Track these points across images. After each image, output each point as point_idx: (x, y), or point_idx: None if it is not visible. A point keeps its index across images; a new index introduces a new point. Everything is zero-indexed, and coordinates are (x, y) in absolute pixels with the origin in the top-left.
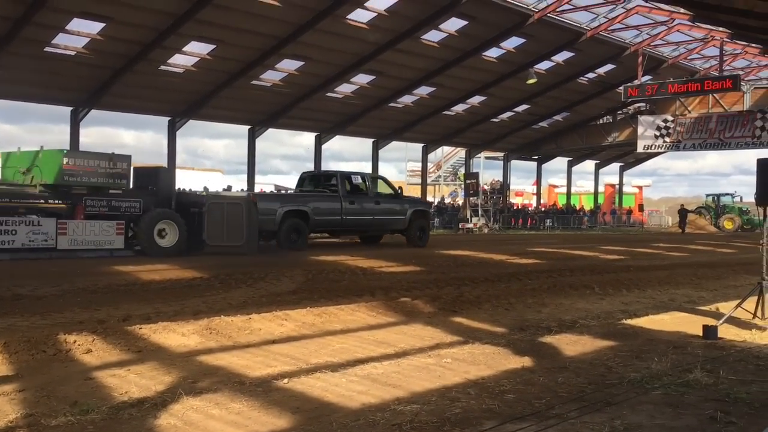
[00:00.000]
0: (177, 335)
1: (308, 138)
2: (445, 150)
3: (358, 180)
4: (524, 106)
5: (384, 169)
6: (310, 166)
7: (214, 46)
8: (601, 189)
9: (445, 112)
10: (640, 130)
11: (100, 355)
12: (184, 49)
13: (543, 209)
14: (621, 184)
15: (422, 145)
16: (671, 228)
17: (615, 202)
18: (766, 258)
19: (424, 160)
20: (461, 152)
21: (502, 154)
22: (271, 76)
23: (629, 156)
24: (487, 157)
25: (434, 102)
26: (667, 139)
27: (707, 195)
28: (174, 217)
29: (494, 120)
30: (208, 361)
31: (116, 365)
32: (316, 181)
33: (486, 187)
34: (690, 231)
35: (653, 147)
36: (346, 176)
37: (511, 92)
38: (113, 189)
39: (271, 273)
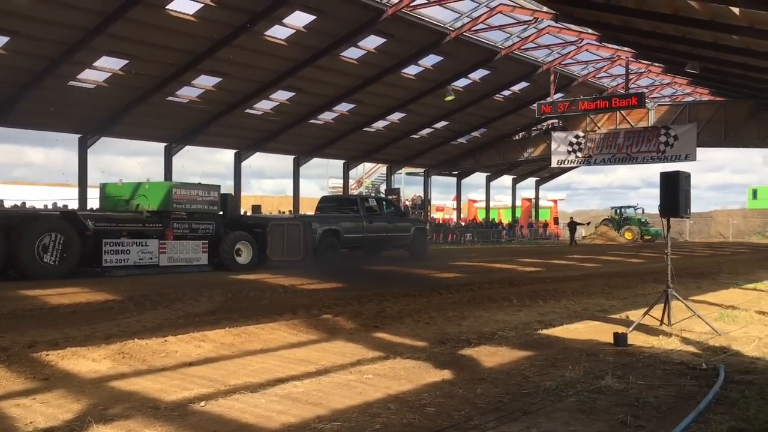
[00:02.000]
0: (87, 361)
1: (228, 155)
2: (366, 166)
3: (373, 202)
4: (443, 123)
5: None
6: (230, 184)
7: (127, 62)
8: (518, 203)
9: (366, 129)
10: (553, 145)
11: (3, 384)
12: (95, 64)
13: (463, 224)
14: (537, 198)
15: (343, 161)
16: (587, 240)
17: (532, 216)
18: (670, 267)
19: (346, 177)
20: (382, 168)
21: (422, 170)
22: (187, 93)
23: (544, 171)
24: (408, 173)
25: (355, 119)
26: (579, 154)
27: (612, 208)
28: (248, 239)
29: (414, 136)
30: (121, 387)
31: (21, 394)
32: (334, 204)
33: (407, 202)
34: (601, 242)
35: (566, 162)
36: (364, 199)
37: (430, 109)
38: (208, 214)
39: (188, 293)
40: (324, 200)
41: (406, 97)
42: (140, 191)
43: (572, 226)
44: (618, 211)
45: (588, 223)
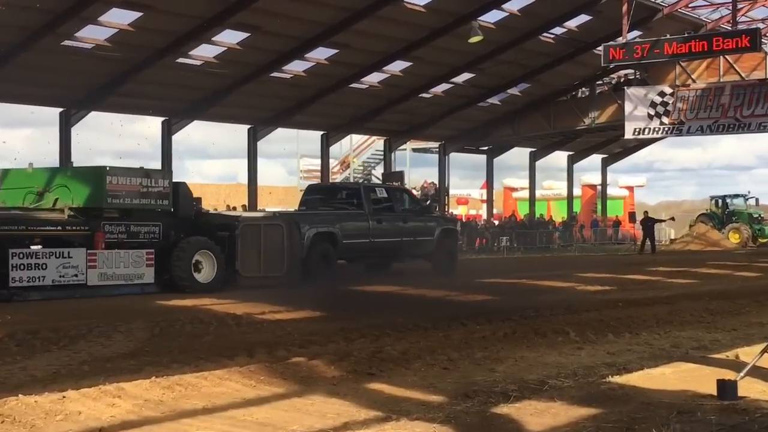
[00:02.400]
0: None
1: (152, 125)
2: (354, 140)
3: (382, 193)
4: (466, 76)
5: (267, 170)
6: (156, 165)
7: None
8: (577, 192)
9: (353, 85)
10: (627, 107)
11: None
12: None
13: (497, 222)
14: (605, 184)
15: (321, 133)
16: (677, 245)
17: (597, 210)
18: None
19: (325, 156)
20: (378, 143)
21: (437, 145)
22: (92, 34)
23: (614, 144)
24: (415, 149)
25: (337, 70)
26: (666, 120)
27: (712, 198)
28: (211, 246)
29: (424, 95)
30: None
31: None
32: (326, 196)
33: (415, 192)
34: (697, 247)
35: (647, 131)
36: (370, 189)
37: (446, 55)
38: (155, 212)
39: (97, 327)
40: (311, 191)
41: (412, 39)
42: (59, 180)
43: (648, 225)
44: (721, 202)
45: (670, 220)
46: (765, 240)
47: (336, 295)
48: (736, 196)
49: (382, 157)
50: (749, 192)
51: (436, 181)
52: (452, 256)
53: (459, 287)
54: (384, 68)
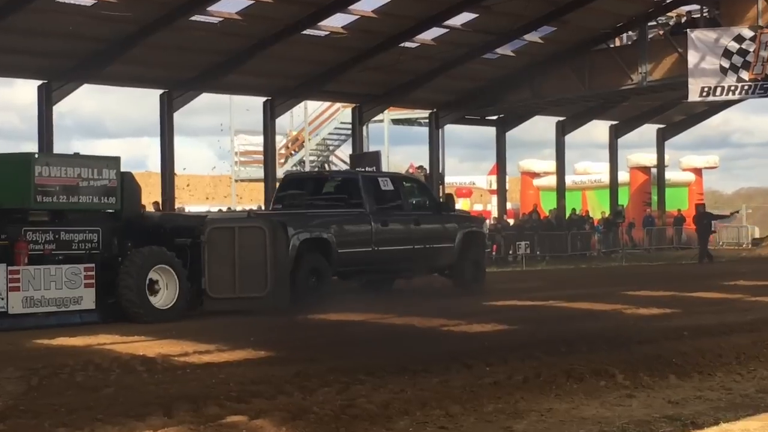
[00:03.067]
0: None
1: (26, 90)
2: (311, 109)
3: (388, 185)
4: (467, 16)
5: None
6: (31, 147)
7: None
8: (624, 177)
9: (308, 32)
10: (691, 58)
11: None
12: None
13: (512, 222)
14: (662, 166)
15: (264, 99)
16: (764, 248)
17: (651, 203)
18: None
19: (270, 132)
20: (344, 112)
21: (426, 114)
22: None
23: (674, 110)
24: (396, 121)
25: (285, 10)
26: (745, 75)
27: None
28: (170, 261)
29: (408, 45)
30: None
31: None
32: (310, 187)
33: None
34: None
35: (719, 91)
36: (372, 179)
37: None
38: (95, 213)
39: None
40: (290, 182)
41: None
42: None
43: (703, 222)
44: None
45: (734, 213)
46: None
47: (287, 326)
48: None
49: (349, 132)
50: None
51: (427, 165)
52: (478, 267)
53: (462, 313)
54: (351, 7)
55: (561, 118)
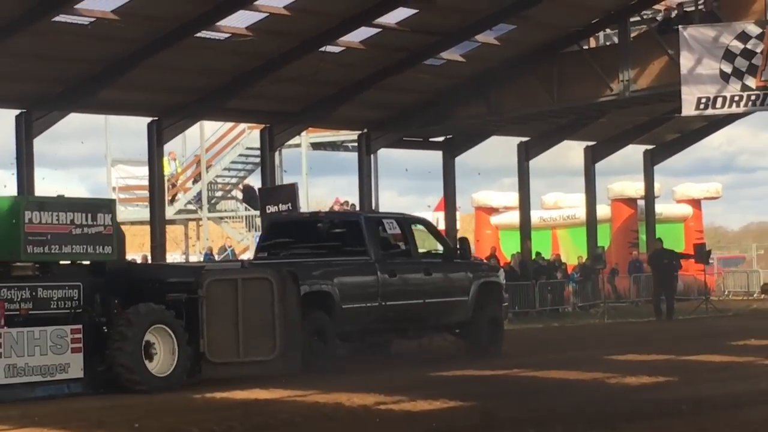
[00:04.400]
0: None
1: None
2: (208, 132)
3: (393, 228)
4: (405, 12)
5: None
6: None
7: None
8: (604, 211)
9: (202, 34)
10: (685, 61)
11: None
12: None
13: None
14: (651, 196)
15: (149, 120)
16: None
17: (639, 243)
18: None
19: (156, 159)
20: (250, 135)
21: (354, 135)
22: None
23: (665, 126)
24: (317, 145)
25: (174, 9)
26: (751, 81)
27: None
28: (169, 320)
29: (330, 49)
30: None
31: None
32: (301, 232)
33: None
34: None
35: (719, 102)
36: (376, 221)
37: None
38: (81, 266)
39: None
40: (275, 227)
41: None
42: None
43: (661, 264)
44: None
45: (692, 257)
46: None
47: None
48: None
49: (257, 159)
50: None
51: (356, 200)
52: (497, 325)
53: (404, 386)
54: (256, 2)
55: (524, 139)
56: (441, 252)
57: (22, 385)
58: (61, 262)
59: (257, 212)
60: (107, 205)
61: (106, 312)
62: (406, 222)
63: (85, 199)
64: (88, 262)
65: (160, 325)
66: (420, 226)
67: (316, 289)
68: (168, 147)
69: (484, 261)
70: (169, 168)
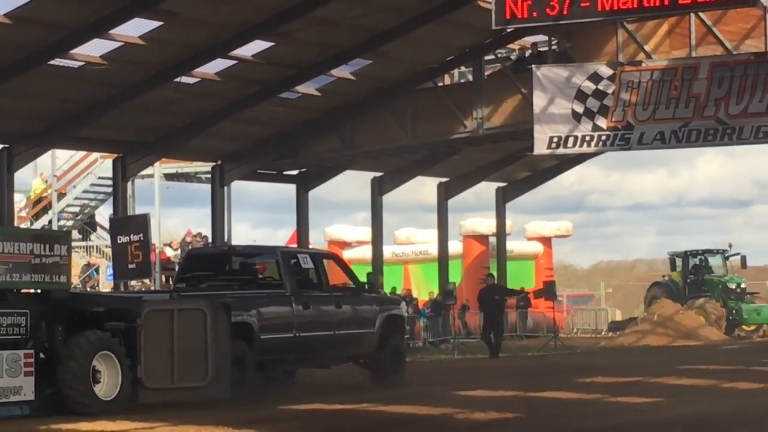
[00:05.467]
0: None
1: None
2: (60, 160)
3: (308, 263)
4: (260, 45)
5: None
6: None
7: None
8: (456, 247)
9: (55, 62)
10: (538, 101)
11: None
12: None
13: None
14: (502, 233)
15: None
16: (628, 336)
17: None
18: None
19: (5, 187)
20: (103, 164)
21: (207, 167)
22: None
23: (517, 164)
24: (170, 176)
25: (23, 32)
26: (602, 122)
27: (671, 254)
28: (114, 347)
29: (184, 80)
30: None
31: None
32: (218, 265)
33: (171, 252)
34: (664, 342)
35: (570, 142)
36: (291, 256)
37: (221, 8)
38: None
39: None
40: (194, 259)
41: None
42: None
43: (491, 300)
44: (683, 263)
45: (522, 293)
46: (750, 327)
47: None
48: (709, 252)
49: (109, 189)
50: (731, 246)
51: (209, 231)
52: (399, 356)
53: (249, 419)
54: (112, 32)
55: (378, 174)
56: (350, 286)
57: None
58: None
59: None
60: (63, 237)
61: (51, 338)
62: (318, 257)
63: (44, 230)
64: (34, 291)
65: (106, 351)
66: (331, 261)
67: (238, 320)
68: (18, 175)
69: (388, 294)
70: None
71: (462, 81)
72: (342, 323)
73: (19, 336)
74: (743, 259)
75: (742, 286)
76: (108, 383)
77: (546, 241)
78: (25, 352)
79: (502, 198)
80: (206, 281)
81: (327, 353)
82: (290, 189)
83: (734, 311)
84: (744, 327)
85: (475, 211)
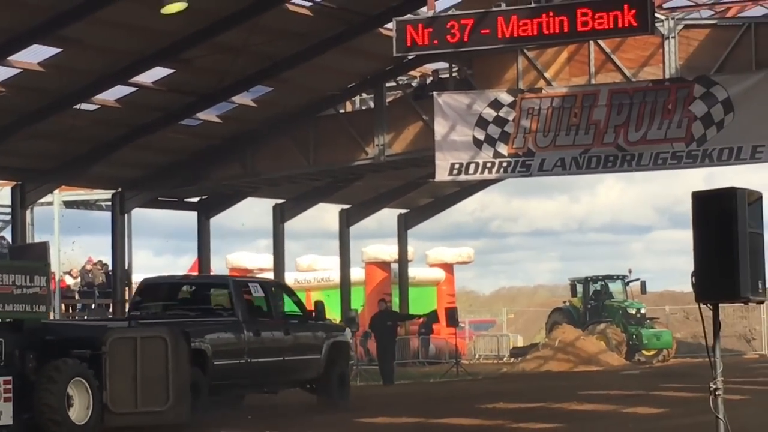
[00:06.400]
0: None
1: None
2: None
3: (258, 291)
4: (161, 71)
5: None
6: None
7: None
8: (358, 274)
9: None
10: (439, 128)
11: None
12: None
13: None
14: (404, 260)
15: None
16: (529, 361)
17: (391, 305)
18: None
19: None
20: (1, 191)
21: (108, 195)
22: None
23: (419, 191)
24: (69, 203)
25: None
26: (503, 149)
27: (572, 280)
28: (85, 374)
29: (84, 107)
30: None
31: None
32: (171, 294)
33: (71, 280)
34: (566, 368)
35: (471, 169)
36: (242, 284)
37: (122, 35)
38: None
39: None
40: (149, 289)
41: (59, 8)
42: None
43: (386, 323)
44: (583, 288)
45: (412, 318)
46: (650, 352)
47: None
48: (609, 278)
49: (8, 217)
50: (630, 272)
51: (109, 259)
52: (344, 381)
53: None
54: (10, 58)
55: (280, 201)
56: (298, 313)
57: None
58: None
59: None
60: (42, 268)
61: (23, 365)
62: (268, 286)
63: (24, 262)
64: (7, 320)
65: (79, 378)
66: (279, 290)
67: (194, 346)
68: None
69: (331, 321)
70: None
71: (363, 108)
72: (291, 349)
73: None
74: (643, 284)
75: (642, 311)
76: (79, 408)
77: (448, 267)
78: (3, 379)
79: (404, 224)
80: (160, 309)
81: (276, 378)
82: (191, 216)
83: (634, 336)
84: (644, 352)
85: (377, 238)
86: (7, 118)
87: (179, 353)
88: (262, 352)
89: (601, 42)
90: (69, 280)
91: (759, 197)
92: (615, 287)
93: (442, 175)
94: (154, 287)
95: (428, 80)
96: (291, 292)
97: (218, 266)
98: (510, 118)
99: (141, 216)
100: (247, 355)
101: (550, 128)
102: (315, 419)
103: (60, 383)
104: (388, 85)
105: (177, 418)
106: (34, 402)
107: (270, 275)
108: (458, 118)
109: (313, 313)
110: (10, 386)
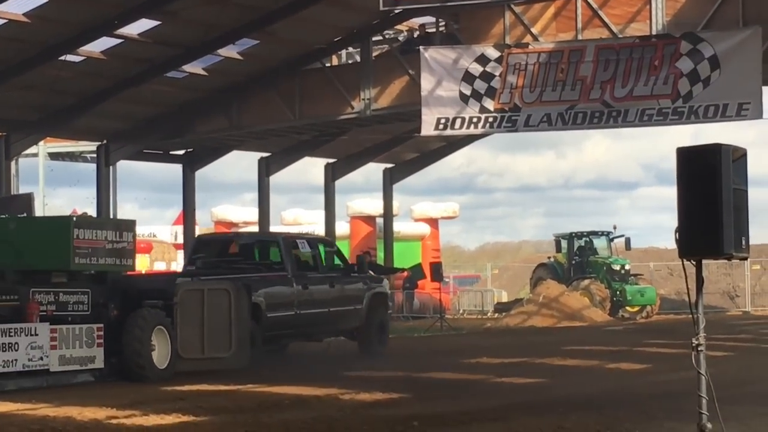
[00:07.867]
0: None
1: None
2: None
3: (306, 247)
4: (147, 23)
5: None
6: None
7: None
8: (343, 228)
9: None
10: (426, 83)
11: None
12: None
13: None
14: (389, 214)
15: None
16: (513, 317)
17: (376, 259)
18: (704, 381)
19: None
20: None
21: (93, 146)
22: None
23: (404, 146)
24: (54, 155)
25: None
26: (490, 104)
27: (556, 236)
28: (165, 322)
29: (70, 58)
30: None
31: None
32: (225, 250)
33: None
34: (550, 323)
35: (458, 123)
36: (292, 241)
37: None
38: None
39: None
40: (203, 244)
41: None
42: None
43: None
44: (568, 244)
45: (396, 271)
46: (634, 308)
47: None
48: (594, 234)
49: None
50: (615, 228)
51: (94, 211)
52: (384, 329)
53: (122, 403)
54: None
55: (265, 154)
56: (341, 266)
57: (69, 373)
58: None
59: None
60: (130, 225)
61: (106, 314)
62: (314, 242)
63: (114, 219)
64: (93, 272)
65: (160, 326)
66: (324, 245)
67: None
68: None
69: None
70: None
71: (350, 62)
72: (336, 301)
73: (85, 312)
74: (627, 240)
75: (626, 267)
76: (161, 354)
77: (433, 222)
78: (96, 326)
79: (390, 179)
80: (214, 264)
81: (322, 328)
82: (177, 169)
83: (618, 292)
84: (628, 308)
85: (363, 192)
86: None
87: (241, 305)
88: (310, 304)
89: None
90: None
91: (744, 154)
92: (599, 243)
93: (428, 129)
94: (209, 242)
95: (415, 35)
96: (335, 247)
97: (203, 219)
98: (496, 74)
99: (126, 168)
100: (296, 307)
101: (537, 84)
102: (297, 372)
103: (146, 330)
104: (374, 39)
105: (238, 364)
106: (123, 347)
107: (255, 229)
108: (444, 73)
109: (355, 266)
110: (102, 333)
